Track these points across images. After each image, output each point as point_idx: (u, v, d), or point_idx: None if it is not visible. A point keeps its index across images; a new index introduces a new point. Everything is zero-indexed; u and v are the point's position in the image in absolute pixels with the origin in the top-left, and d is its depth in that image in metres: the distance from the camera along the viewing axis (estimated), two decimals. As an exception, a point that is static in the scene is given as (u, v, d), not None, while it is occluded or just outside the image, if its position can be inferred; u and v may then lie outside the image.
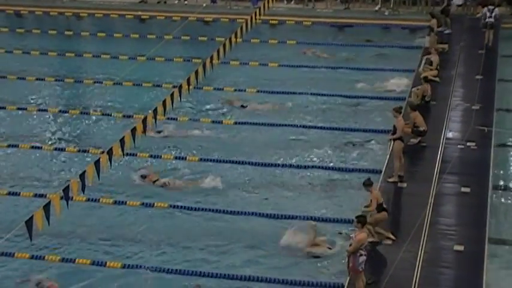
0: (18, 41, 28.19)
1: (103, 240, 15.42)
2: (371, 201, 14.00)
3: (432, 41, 23.57)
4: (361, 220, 12.61)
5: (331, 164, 18.46)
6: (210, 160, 18.63)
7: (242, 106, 21.71)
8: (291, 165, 18.34)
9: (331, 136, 19.93)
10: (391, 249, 13.82)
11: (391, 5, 29.88)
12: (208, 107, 21.84)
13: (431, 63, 21.78)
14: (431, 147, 17.78)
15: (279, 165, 18.36)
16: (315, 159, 18.76)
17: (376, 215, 14.02)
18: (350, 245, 12.49)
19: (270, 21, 28.47)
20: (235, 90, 22.86)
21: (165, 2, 31.56)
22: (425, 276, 13.01)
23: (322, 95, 22.45)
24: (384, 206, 14.10)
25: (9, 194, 17.15)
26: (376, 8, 30.00)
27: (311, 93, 22.53)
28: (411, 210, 15.15)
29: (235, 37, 21.16)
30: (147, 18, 30.26)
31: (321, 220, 15.86)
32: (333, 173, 18.02)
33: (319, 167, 18.30)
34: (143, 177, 17.73)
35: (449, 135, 18.41)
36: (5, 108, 21.81)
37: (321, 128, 20.42)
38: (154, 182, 17.58)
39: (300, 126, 20.52)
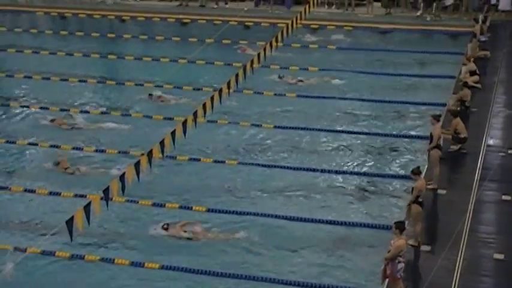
0: (62, 43, 28.55)
1: (139, 240, 15.57)
2: (412, 190, 13.97)
3: (473, 47, 23.36)
4: (400, 226, 12.53)
5: (367, 170, 18.40)
6: (250, 164, 18.67)
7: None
8: (328, 171, 18.31)
9: (370, 142, 19.86)
10: (429, 257, 13.73)
11: (433, 11, 29.68)
12: (247, 111, 21.84)
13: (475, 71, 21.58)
14: (471, 154, 17.63)
15: (313, 169, 18.34)
16: (350, 164, 18.72)
17: (412, 206, 13.96)
18: (388, 251, 12.42)
19: (311, 26, 28.46)
20: (275, 94, 22.88)
21: (203, 6, 31.71)
22: (463, 285, 12.88)
23: (362, 100, 22.40)
24: (421, 200, 14.01)
25: (50, 193, 17.38)
26: (418, 14, 29.84)
27: (350, 98, 22.48)
28: (450, 217, 15.02)
29: (276, 41, 21.20)
30: (189, 21, 30.44)
31: (355, 225, 15.82)
32: (369, 178, 17.94)
33: (354, 173, 18.25)
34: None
35: (490, 142, 18.24)
36: (48, 109, 22.07)
37: (359, 133, 20.37)
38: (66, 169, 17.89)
39: (338, 131, 20.49)
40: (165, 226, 15.77)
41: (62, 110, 21.95)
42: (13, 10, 32.43)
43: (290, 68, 24.89)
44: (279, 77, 23.90)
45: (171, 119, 20.58)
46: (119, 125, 20.89)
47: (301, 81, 23.79)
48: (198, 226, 15.82)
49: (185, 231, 15.68)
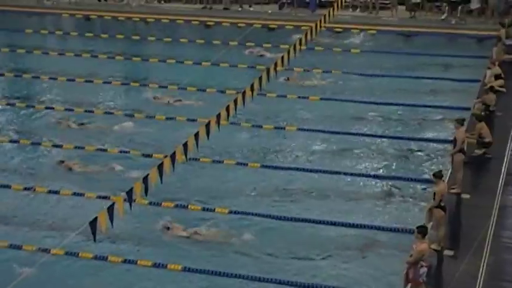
0: (87, 45, 28.73)
1: (161, 242, 15.61)
2: (434, 195, 13.91)
3: (498, 51, 23.21)
4: (422, 231, 12.49)
5: (390, 173, 18.34)
6: (270, 167, 18.69)
7: None
8: (351, 174, 18.28)
9: (393, 145, 19.80)
10: (452, 261, 13.66)
11: (458, 14, 29.52)
12: (270, 113, 21.84)
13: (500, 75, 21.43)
14: (496, 159, 17.51)
15: (336, 172, 18.31)
16: (373, 167, 18.67)
17: (434, 211, 13.90)
18: (410, 255, 12.37)
19: (335, 29, 28.42)
20: (298, 97, 22.87)
21: (227, 9, 31.76)
22: (487, 290, 12.83)
23: (386, 103, 22.34)
24: (443, 204, 13.94)
25: (74, 194, 17.50)
26: (443, 17, 29.69)
27: (373, 102, 22.43)
28: (474, 221, 14.94)
29: (300, 44, 21.19)
30: (213, 24, 30.51)
31: (377, 229, 15.78)
32: (392, 182, 17.89)
33: (377, 176, 18.20)
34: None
35: (515, 146, 18.13)
36: (72, 110, 22.22)
37: (382, 136, 20.33)
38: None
39: (362, 134, 20.45)
40: (168, 226, 15.95)
41: (86, 111, 22.09)
42: (39, 12, 32.67)
43: (313, 70, 24.87)
44: (286, 79, 23.86)
45: (194, 120, 20.66)
46: (141, 127, 20.98)
47: (311, 84, 23.69)
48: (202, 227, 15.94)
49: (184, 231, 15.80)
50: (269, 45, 27.38)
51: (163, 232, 15.91)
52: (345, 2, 27.41)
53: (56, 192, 17.55)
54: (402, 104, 22.29)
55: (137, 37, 29.45)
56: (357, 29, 29.08)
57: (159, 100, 22.96)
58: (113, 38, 29.25)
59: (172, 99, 22.87)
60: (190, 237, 15.68)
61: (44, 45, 28.78)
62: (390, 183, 17.91)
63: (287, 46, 21.08)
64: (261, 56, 26.56)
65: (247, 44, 27.17)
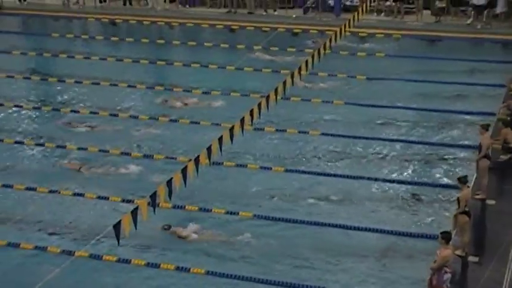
0: (112, 49, 28.92)
1: (184, 246, 15.65)
2: (458, 199, 13.83)
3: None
4: (446, 236, 12.42)
5: (415, 179, 18.27)
6: (293, 171, 18.70)
7: None
8: (375, 179, 18.23)
9: (417, 150, 19.72)
10: (477, 268, 13.58)
11: (484, 19, 29.36)
12: (293, 120, 21.83)
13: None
14: (522, 165, 17.40)
15: (360, 177, 18.27)
16: (397, 172, 18.61)
17: (458, 216, 13.82)
18: (434, 261, 12.31)
19: (359, 34, 28.38)
20: (323, 101, 22.85)
21: (252, 13, 31.82)
22: (511, 297, 12.74)
23: (410, 108, 22.26)
24: (467, 209, 13.86)
25: (98, 197, 17.62)
26: (468, 22, 29.54)
27: (398, 107, 22.36)
28: (499, 227, 14.85)
29: (324, 48, 21.17)
30: (237, 28, 30.58)
31: (401, 234, 15.73)
32: (416, 187, 17.82)
33: (401, 181, 18.14)
34: None
35: (541, 152, 17.95)
36: (97, 113, 22.36)
37: (406, 141, 20.25)
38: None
39: (386, 139, 20.39)
40: (166, 227, 16.06)
41: (110, 114, 22.23)
42: (65, 16, 32.95)
43: (338, 75, 24.84)
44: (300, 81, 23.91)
45: (218, 124, 20.72)
46: (166, 130, 21.07)
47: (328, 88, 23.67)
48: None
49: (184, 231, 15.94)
50: (293, 49, 27.40)
51: (162, 231, 16.03)
52: (370, 6, 27.32)
53: (81, 195, 17.67)
54: (427, 109, 22.21)
55: (162, 41, 29.59)
56: (381, 33, 29.01)
57: (168, 103, 23.13)
58: (138, 42, 29.41)
59: (181, 102, 23.00)
60: (186, 238, 15.80)
61: (70, 49, 29.00)
62: (414, 188, 17.83)
63: (311, 50, 21.09)
64: (270, 60, 26.55)
65: (271, 48, 27.20)
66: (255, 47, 26.12)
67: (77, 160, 19.54)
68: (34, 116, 22.65)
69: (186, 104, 22.78)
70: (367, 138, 20.36)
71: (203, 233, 16.03)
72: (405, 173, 18.61)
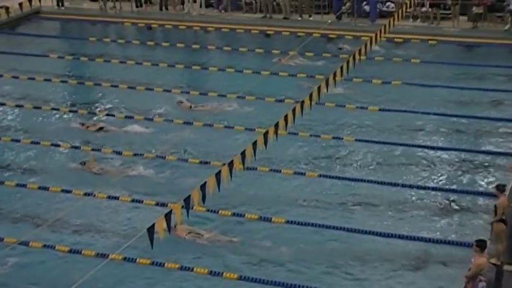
0: (148, 53, 29.10)
1: (216, 250, 15.70)
2: (495, 207, 13.70)
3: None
4: (481, 244, 12.32)
5: (451, 186, 18.13)
6: (327, 177, 18.66)
7: None
8: (410, 185, 18.13)
9: (454, 157, 19.58)
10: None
11: (522, 25, 29.08)
12: (327, 126, 21.78)
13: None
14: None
15: (395, 184, 18.18)
16: (433, 179, 18.48)
17: (494, 224, 13.69)
18: (469, 269, 12.21)
19: (395, 39, 28.24)
20: (357, 107, 22.77)
21: (287, 18, 31.82)
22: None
23: (446, 115, 22.09)
24: (504, 217, 13.71)
25: (132, 200, 17.74)
26: (506, 28, 29.25)
27: (434, 113, 22.20)
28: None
29: (359, 54, 21.11)
30: (272, 33, 30.59)
31: (437, 242, 15.62)
32: (453, 194, 17.68)
33: (438, 188, 18.01)
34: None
35: None
36: (132, 117, 22.52)
37: (443, 148, 20.11)
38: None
39: (421, 145, 20.26)
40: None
41: (145, 119, 22.36)
42: (102, 21, 33.24)
43: (372, 81, 24.74)
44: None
45: (252, 129, 20.77)
46: (200, 134, 21.15)
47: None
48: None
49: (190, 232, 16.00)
50: (328, 54, 27.36)
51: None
52: (406, 12, 27.18)
53: (116, 198, 17.81)
54: (463, 116, 22.03)
55: (197, 46, 29.70)
56: (417, 39, 28.84)
57: (183, 105, 23.30)
58: (174, 47, 29.55)
59: (194, 104, 23.21)
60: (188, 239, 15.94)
61: (107, 53, 29.25)
62: (449, 195, 17.70)
63: (346, 56, 21.02)
64: (290, 65, 26.56)
65: (306, 53, 27.20)
66: (290, 52, 26.12)
67: (111, 163, 19.68)
68: (70, 119, 22.83)
69: (219, 109, 22.82)
70: (401, 144, 20.25)
71: (233, 237, 16.05)
72: (441, 180, 18.47)
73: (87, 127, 21.91)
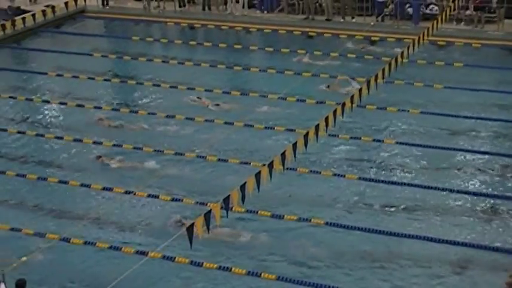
0: (190, 53, 29.25)
1: (254, 251, 15.74)
2: None
3: None
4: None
5: (495, 191, 17.95)
6: (367, 179, 18.62)
7: None
8: (450, 190, 17.99)
9: (498, 162, 19.38)
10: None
11: None
12: (368, 128, 21.70)
13: None
14: None
15: (436, 188, 18.04)
16: (474, 184, 18.32)
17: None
18: (510, 276, 12.08)
19: (438, 42, 28.02)
20: (399, 110, 22.64)
21: (330, 20, 31.74)
22: None
23: (488, 119, 21.86)
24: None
25: (173, 199, 17.87)
26: (552, 32, 28.88)
27: (477, 117, 21.98)
28: None
29: (401, 57, 21.01)
30: (314, 35, 30.54)
31: (478, 247, 15.48)
32: (497, 200, 17.51)
33: (481, 194, 17.85)
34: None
35: None
36: (174, 117, 22.67)
37: (486, 153, 19.92)
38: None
39: (464, 149, 20.09)
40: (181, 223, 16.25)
41: (186, 118, 22.49)
42: (146, 20, 33.49)
43: (414, 84, 24.57)
44: (327, 87, 24.09)
45: (293, 130, 20.79)
46: (240, 135, 21.22)
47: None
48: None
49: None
50: (371, 57, 27.26)
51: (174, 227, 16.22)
52: (450, 15, 26.94)
53: (156, 197, 17.97)
54: (506, 120, 21.79)
55: (239, 46, 29.78)
56: (460, 42, 28.58)
57: (199, 102, 23.55)
58: (216, 47, 29.65)
59: (212, 103, 23.40)
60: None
61: (149, 52, 29.46)
62: (492, 200, 17.53)
63: (388, 58, 20.93)
64: (308, 63, 26.50)
65: (348, 55, 27.13)
66: (332, 54, 26.08)
67: (152, 162, 19.83)
68: (113, 117, 23.04)
69: (261, 109, 22.86)
70: (443, 148, 20.09)
71: (270, 238, 16.09)
72: (483, 185, 18.30)
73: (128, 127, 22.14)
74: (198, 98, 23.89)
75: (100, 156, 20.06)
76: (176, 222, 16.47)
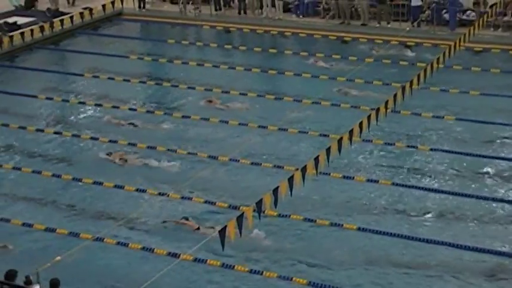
0: (225, 57, 29.35)
1: (287, 255, 15.76)
2: None
3: None
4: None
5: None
6: (400, 185, 18.54)
7: None
8: (484, 197, 17.86)
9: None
10: None
11: None
12: (402, 134, 21.58)
13: None
14: None
15: (470, 195, 17.94)
16: (508, 192, 18.14)
17: None
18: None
19: (474, 48, 27.79)
20: (433, 116, 22.50)
21: (365, 25, 31.64)
22: None
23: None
24: None
25: (205, 202, 17.96)
26: None
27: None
28: None
29: (437, 62, 20.89)
30: (349, 40, 30.46)
31: (508, 256, 15.36)
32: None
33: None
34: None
35: None
36: (208, 119, 22.76)
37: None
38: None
39: (499, 157, 19.90)
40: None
41: (220, 121, 22.58)
42: (182, 23, 33.67)
43: (450, 90, 24.39)
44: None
45: (326, 135, 20.78)
46: (274, 139, 21.25)
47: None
48: None
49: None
50: (405, 62, 27.13)
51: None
52: (487, 21, 26.69)
53: (189, 199, 18.07)
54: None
55: (274, 50, 29.81)
56: (497, 49, 28.31)
57: (211, 104, 23.73)
58: (251, 51, 29.72)
59: (222, 104, 23.70)
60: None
61: (185, 55, 29.62)
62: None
63: (423, 64, 20.81)
64: (323, 67, 26.41)
65: (383, 60, 27.03)
66: (367, 60, 26.01)
67: (186, 165, 19.93)
68: (147, 120, 23.21)
69: (294, 113, 22.86)
70: (478, 155, 19.93)
71: (303, 242, 16.10)
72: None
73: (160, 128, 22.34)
74: (209, 101, 24.02)
75: (111, 153, 20.42)
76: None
